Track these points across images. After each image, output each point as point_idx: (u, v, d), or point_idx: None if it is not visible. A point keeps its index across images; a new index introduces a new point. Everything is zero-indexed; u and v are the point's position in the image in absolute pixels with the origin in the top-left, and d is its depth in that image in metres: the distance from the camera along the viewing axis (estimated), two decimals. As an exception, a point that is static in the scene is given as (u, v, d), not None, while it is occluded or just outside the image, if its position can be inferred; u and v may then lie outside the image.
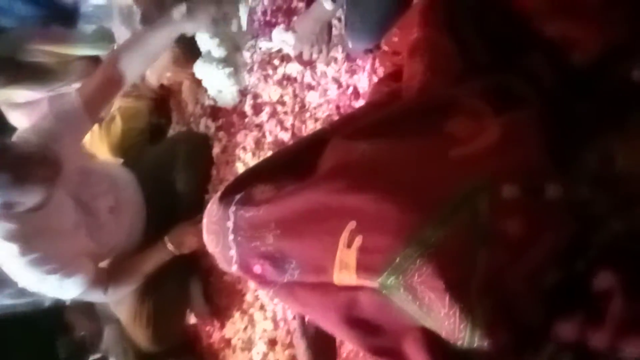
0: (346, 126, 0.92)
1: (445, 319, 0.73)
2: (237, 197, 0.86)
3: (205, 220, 0.91)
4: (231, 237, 0.84)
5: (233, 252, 0.85)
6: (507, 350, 0.75)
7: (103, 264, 1.50)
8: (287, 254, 0.81)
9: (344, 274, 0.77)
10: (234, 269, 0.87)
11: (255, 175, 0.91)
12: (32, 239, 1.23)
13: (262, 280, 0.85)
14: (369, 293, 0.77)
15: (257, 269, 0.84)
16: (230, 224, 0.84)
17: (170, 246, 1.47)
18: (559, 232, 0.77)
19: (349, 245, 0.75)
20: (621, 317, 0.73)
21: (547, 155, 0.80)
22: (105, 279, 1.43)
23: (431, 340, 0.77)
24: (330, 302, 0.80)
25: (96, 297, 1.46)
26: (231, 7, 1.44)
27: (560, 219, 0.78)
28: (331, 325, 0.84)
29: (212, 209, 0.89)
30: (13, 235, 1.21)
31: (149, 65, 1.46)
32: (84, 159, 1.43)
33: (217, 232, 0.87)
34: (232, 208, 0.85)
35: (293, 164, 0.90)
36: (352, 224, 0.75)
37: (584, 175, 0.83)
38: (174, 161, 1.56)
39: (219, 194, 0.90)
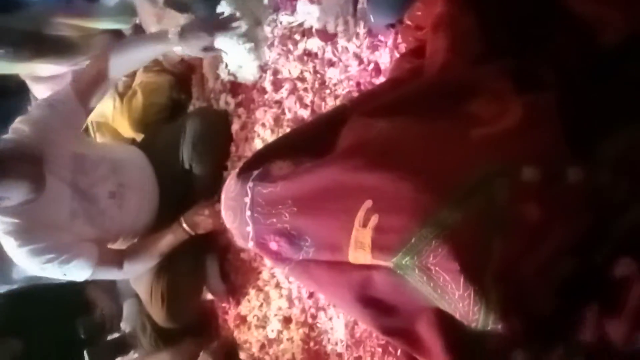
0: (365, 103, 0.91)
1: (460, 301, 0.74)
2: (255, 173, 0.87)
3: (223, 196, 0.92)
4: (248, 213, 0.85)
5: (250, 229, 0.86)
6: (521, 336, 0.74)
7: (120, 244, 1.54)
8: (302, 232, 0.82)
9: (359, 252, 0.77)
10: (250, 245, 0.88)
11: (273, 151, 0.91)
12: (27, 231, 1.27)
13: (278, 257, 0.86)
14: (384, 273, 0.77)
15: (273, 245, 0.85)
16: (247, 200, 0.85)
17: (185, 226, 1.48)
18: (577, 219, 0.76)
19: (364, 225, 0.75)
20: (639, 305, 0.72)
21: (569, 139, 0.78)
22: (116, 258, 1.45)
23: (445, 321, 0.77)
24: (344, 280, 0.81)
25: (110, 275, 1.50)
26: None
27: (579, 206, 0.77)
28: (345, 303, 0.85)
29: (230, 185, 0.90)
30: (9, 229, 1.25)
31: (131, 69, 1.55)
32: (82, 145, 1.42)
33: (235, 208, 0.87)
34: (250, 184, 0.85)
35: (311, 141, 0.89)
36: (368, 203, 0.75)
37: (606, 160, 0.81)
38: (187, 139, 1.55)
39: (237, 170, 0.91)
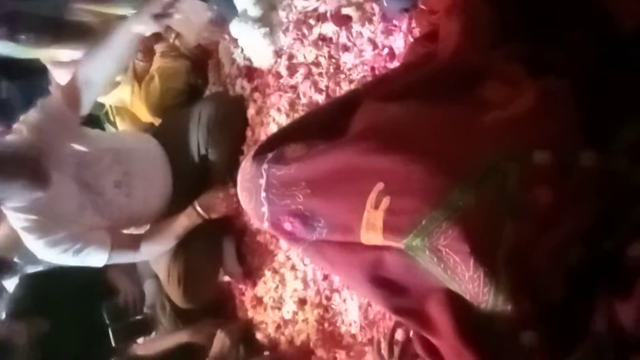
0: (378, 87, 0.92)
1: (470, 282, 0.75)
2: (270, 155, 0.88)
3: (239, 178, 0.94)
4: (263, 194, 0.87)
5: (265, 209, 0.88)
6: (530, 318, 0.75)
7: (135, 230, 1.58)
8: (316, 213, 0.83)
9: (371, 234, 0.78)
10: (265, 225, 0.90)
11: (287, 134, 0.93)
12: (41, 225, 1.33)
13: (292, 238, 0.88)
14: (395, 253, 0.79)
15: (288, 226, 0.87)
16: (262, 181, 0.87)
17: (199, 210, 1.51)
18: (589, 205, 0.76)
19: (376, 207, 0.76)
20: None
21: (583, 125, 0.78)
22: (131, 242, 1.50)
23: (455, 302, 0.79)
24: (356, 261, 0.83)
25: (127, 259, 1.55)
26: None
27: (592, 192, 0.77)
28: (357, 283, 0.87)
29: (245, 167, 0.92)
30: (25, 225, 1.33)
31: (117, 66, 1.51)
32: (81, 141, 1.45)
33: (250, 190, 0.90)
34: (265, 166, 0.87)
35: (325, 124, 0.91)
36: (380, 185, 0.76)
37: (622, 147, 0.81)
38: (202, 124, 1.58)
39: (252, 152, 0.93)
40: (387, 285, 0.82)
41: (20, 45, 1.69)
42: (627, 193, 0.80)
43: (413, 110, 0.80)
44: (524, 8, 0.91)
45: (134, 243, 1.51)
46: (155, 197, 1.57)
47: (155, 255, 1.60)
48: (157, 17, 1.36)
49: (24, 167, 1.28)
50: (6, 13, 1.67)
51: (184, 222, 1.52)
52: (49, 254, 1.38)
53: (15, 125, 1.37)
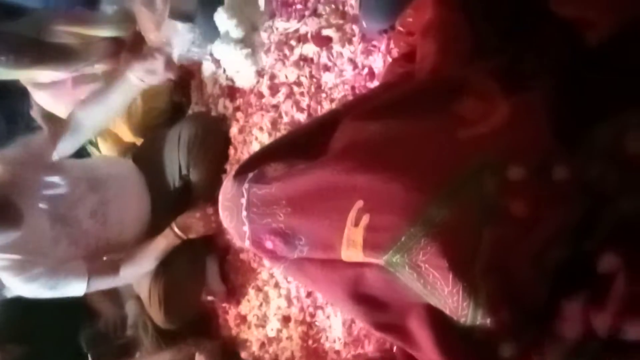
0: (358, 107, 0.94)
1: (449, 297, 0.76)
2: (251, 174, 0.90)
3: (220, 198, 0.95)
4: (244, 213, 0.88)
5: (246, 228, 0.89)
6: (510, 328, 0.77)
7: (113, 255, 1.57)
8: (297, 231, 0.85)
9: (351, 251, 0.80)
10: (247, 244, 0.91)
11: (268, 154, 0.94)
12: (17, 263, 1.33)
13: (274, 256, 0.89)
14: (375, 270, 0.80)
15: (269, 244, 0.88)
16: (243, 200, 0.88)
17: (177, 230, 1.51)
18: (565, 212, 0.78)
19: (356, 224, 0.78)
20: (624, 298, 0.74)
21: (557, 135, 0.80)
22: (109, 268, 1.49)
23: (435, 317, 0.80)
24: (337, 277, 0.84)
25: (107, 284, 1.53)
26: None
27: (568, 200, 0.79)
28: (338, 300, 0.88)
29: (227, 187, 0.93)
30: (2, 265, 1.32)
31: (109, 119, 1.59)
32: (56, 172, 1.45)
33: (231, 209, 0.91)
34: (246, 185, 0.88)
35: (305, 144, 0.92)
36: (359, 203, 0.78)
37: (595, 154, 0.83)
38: (182, 145, 1.59)
39: (233, 172, 0.94)
40: (368, 302, 0.83)
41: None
42: (602, 199, 0.83)
43: (391, 129, 0.82)
44: (494, 20, 0.93)
45: (113, 268, 1.50)
46: (132, 222, 1.57)
47: (135, 278, 1.59)
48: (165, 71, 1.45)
49: None
50: (-17, 35, 1.67)
51: (162, 243, 1.52)
52: (27, 290, 1.38)
53: None
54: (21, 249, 1.33)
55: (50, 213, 1.40)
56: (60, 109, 1.89)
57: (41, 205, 1.39)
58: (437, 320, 0.80)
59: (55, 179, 1.43)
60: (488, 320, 0.76)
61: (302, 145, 0.92)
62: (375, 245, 0.77)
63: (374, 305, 0.83)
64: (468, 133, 0.79)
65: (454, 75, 0.88)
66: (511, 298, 0.76)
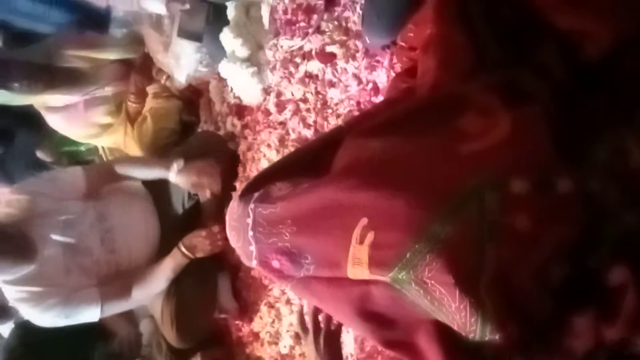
0: (361, 124, 0.95)
1: (457, 313, 0.75)
2: (256, 194, 0.90)
3: (227, 218, 0.96)
4: (251, 233, 0.89)
5: (253, 248, 0.89)
6: (518, 344, 0.76)
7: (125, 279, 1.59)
8: (302, 250, 0.85)
9: (357, 269, 0.80)
10: (254, 264, 0.91)
11: (273, 173, 0.95)
12: (33, 294, 1.37)
13: (281, 275, 0.89)
14: (382, 287, 0.80)
15: (276, 264, 0.88)
16: (249, 220, 0.89)
17: (184, 250, 1.53)
18: (569, 227, 0.78)
19: (361, 242, 0.78)
20: (634, 312, 0.73)
21: (558, 149, 0.80)
22: (121, 291, 1.51)
23: (443, 333, 0.79)
24: (344, 295, 0.84)
25: (121, 307, 1.56)
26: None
27: (571, 214, 0.78)
28: (346, 318, 0.87)
29: (233, 207, 0.94)
30: (20, 297, 1.37)
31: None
32: (68, 204, 1.47)
33: (238, 229, 0.91)
34: (251, 205, 0.89)
35: (309, 162, 0.93)
36: (364, 221, 0.77)
37: (596, 169, 0.83)
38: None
39: (239, 192, 0.95)
40: (375, 319, 0.83)
41: (14, 93, 1.73)
42: (604, 214, 0.82)
43: (393, 145, 0.82)
44: (494, 34, 0.94)
45: (125, 291, 1.52)
46: (140, 246, 1.58)
47: (148, 299, 1.60)
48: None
49: (10, 245, 1.31)
50: (-1, 61, 1.72)
51: (170, 263, 1.54)
52: (43, 319, 1.41)
53: (7, 197, 1.42)
54: (36, 281, 1.37)
55: (62, 244, 1.43)
56: (73, 132, 1.94)
57: (54, 237, 1.41)
58: (446, 336, 0.79)
59: (67, 210, 1.46)
60: (497, 336, 0.76)
61: (306, 163, 0.93)
62: (381, 262, 0.76)
63: (382, 322, 0.83)
64: (470, 148, 0.79)
65: (455, 90, 0.88)
66: (518, 314, 0.75)
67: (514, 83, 0.86)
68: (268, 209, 0.86)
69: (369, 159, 0.82)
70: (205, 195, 1.59)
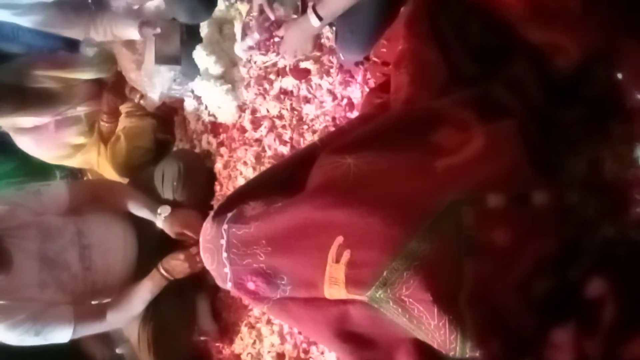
0: (335, 140, 0.94)
1: (436, 331, 0.75)
2: (229, 215, 0.89)
3: (201, 239, 0.94)
4: (225, 254, 0.87)
5: (227, 270, 0.88)
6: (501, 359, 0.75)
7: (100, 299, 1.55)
8: (278, 270, 0.84)
9: (334, 288, 0.79)
10: (228, 286, 0.89)
11: (246, 193, 0.94)
12: (1, 308, 1.30)
13: (256, 297, 0.88)
14: (360, 306, 0.79)
15: (251, 285, 0.87)
16: (223, 242, 0.87)
17: (163, 272, 1.49)
18: (548, 240, 0.78)
19: (337, 260, 0.77)
20: (615, 324, 0.73)
21: (533, 163, 0.80)
22: (96, 313, 1.46)
23: (424, 352, 0.78)
24: (322, 316, 0.82)
25: (94, 329, 1.50)
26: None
27: (549, 227, 0.79)
28: (324, 339, 0.86)
29: (206, 228, 0.92)
30: None
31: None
32: (48, 217, 1.42)
33: (212, 251, 0.89)
34: (225, 226, 0.87)
35: (283, 181, 0.92)
36: (339, 239, 0.77)
37: (572, 181, 0.83)
38: (167, 184, 1.57)
39: (212, 213, 0.93)
40: (354, 339, 0.82)
41: None
42: (583, 226, 0.83)
43: (368, 162, 0.82)
44: (466, 49, 0.94)
45: (100, 313, 1.47)
46: (117, 265, 1.54)
47: (123, 322, 1.55)
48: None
49: None
50: (-32, 83, 1.67)
51: (148, 285, 1.49)
52: (11, 337, 1.33)
53: None
54: (6, 294, 1.30)
55: (39, 257, 1.37)
56: (43, 153, 1.89)
57: (31, 249, 1.36)
58: (426, 354, 0.78)
59: (47, 223, 1.41)
60: (477, 354, 0.75)
61: (280, 182, 0.92)
62: (358, 281, 0.76)
63: (361, 342, 0.82)
64: (445, 163, 0.80)
65: (429, 106, 0.88)
66: (499, 329, 0.75)
67: (488, 97, 0.86)
68: (242, 229, 0.84)
69: (343, 176, 0.81)
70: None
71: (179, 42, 1.55)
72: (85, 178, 2.08)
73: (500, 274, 0.75)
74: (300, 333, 1.42)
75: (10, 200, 1.37)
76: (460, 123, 0.84)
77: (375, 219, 0.75)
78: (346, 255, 0.76)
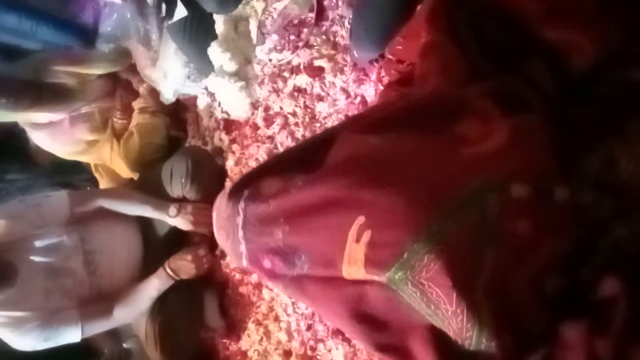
0: (357, 122, 0.92)
1: (453, 317, 0.72)
2: (246, 192, 0.87)
3: (214, 216, 0.92)
4: (241, 233, 0.85)
5: (243, 248, 0.86)
6: (513, 354, 0.73)
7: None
8: (296, 249, 0.81)
9: (353, 268, 0.76)
10: (244, 263, 0.87)
11: (263, 170, 0.91)
12: (12, 319, 1.32)
13: (272, 275, 0.86)
14: (377, 288, 0.76)
15: (267, 263, 0.85)
16: (239, 220, 0.85)
17: (169, 271, 1.49)
18: (564, 236, 0.76)
19: (357, 240, 0.75)
20: (627, 323, 0.71)
21: (555, 158, 0.79)
22: (102, 311, 1.45)
23: (439, 339, 0.76)
24: (338, 296, 0.80)
25: (103, 327, 1.49)
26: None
27: (566, 224, 0.77)
28: (339, 320, 0.83)
29: (221, 205, 0.90)
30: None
31: (121, 210, 1.57)
32: (52, 226, 1.43)
33: (227, 228, 0.87)
34: (242, 204, 0.85)
35: (301, 158, 0.89)
36: (361, 219, 0.74)
37: (587, 180, 0.82)
38: (176, 181, 1.56)
39: (228, 189, 0.91)
40: (368, 321, 0.79)
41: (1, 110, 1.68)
42: (596, 225, 0.81)
43: (392, 143, 0.80)
44: (481, 47, 0.93)
45: (106, 311, 1.46)
46: (121, 269, 1.54)
47: (130, 318, 1.54)
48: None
49: None
50: (-17, 78, 1.67)
51: (155, 284, 1.49)
52: (23, 344, 1.36)
53: None
54: (14, 305, 1.32)
55: (44, 266, 1.37)
56: (58, 149, 1.88)
57: (35, 259, 1.36)
58: (441, 342, 0.76)
59: (49, 234, 1.41)
60: (492, 344, 0.72)
61: (298, 159, 0.89)
62: (377, 261, 0.73)
63: (375, 325, 0.79)
64: (471, 151, 0.78)
65: (454, 94, 0.86)
66: (513, 322, 0.73)
67: (511, 91, 0.85)
68: (259, 207, 0.82)
69: (367, 155, 0.79)
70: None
71: None
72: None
73: (518, 265, 0.73)
74: (308, 330, 1.40)
75: (10, 214, 1.37)
76: (484, 115, 0.83)
77: (399, 199, 0.72)
78: (367, 234, 0.73)
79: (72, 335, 1.40)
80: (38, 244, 1.38)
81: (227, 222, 0.86)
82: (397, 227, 0.72)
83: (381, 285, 0.75)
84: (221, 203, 0.88)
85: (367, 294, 0.78)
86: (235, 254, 0.86)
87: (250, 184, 0.87)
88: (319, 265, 0.80)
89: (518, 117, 0.81)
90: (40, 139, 1.85)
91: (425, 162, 0.77)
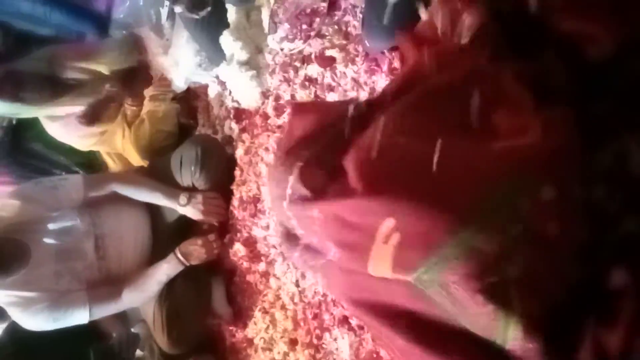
0: (382, 106, 0.86)
1: (480, 318, 0.68)
2: (296, 170, 0.83)
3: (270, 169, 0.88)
4: (286, 204, 0.85)
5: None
6: (541, 352, 0.68)
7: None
8: (327, 247, 0.80)
9: (379, 267, 0.73)
10: (284, 205, 0.85)
11: (310, 155, 0.87)
12: (23, 299, 1.29)
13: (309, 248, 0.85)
14: (403, 285, 0.72)
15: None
16: (288, 193, 0.84)
17: (179, 256, 1.44)
18: (581, 232, 0.71)
19: (385, 242, 0.70)
20: (635, 316, 0.67)
21: (580, 155, 0.73)
22: (111, 294, 1.42)
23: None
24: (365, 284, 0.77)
25: (111, 310, 1.45)
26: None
27: (584, 220, 0.72)
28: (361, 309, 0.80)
29: (277, 164, 0.88)
30: (10, 301, 1.29)
31: (134, 197, 1.52)
32: (65, 209, 1.39)
33: (279, 180, 0.86)
34: (290, 181, 0.83)
35: (335, 138, 0.86)
36: (390, 221, 0.70)
37: (599, 174, 0.76)
38: (185, 169, 1.50)
39: (283, 151, 0.87)
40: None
41: (24, 105, 1.61)
42: (607, 219, 0.75)
43: (422, 142, 0.75)
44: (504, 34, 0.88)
45: (115, 294, 1.41)
46: (130, 254, 1.48)
47: (139, 302, 1.48)
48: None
49: (3, 250, 1.23)
50: (6, 73, 1.59)
51: (164, 268, 1.44)
52: (32, 324, 1.33)
53: (3, 201, 1.32)
54: (25, 286, 1.28)
55: (56, 248, 1.33)
56: (72, 140, 1.83)
57: (48, 241, 1.32)
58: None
59: (62, 217, 1.36)
60: (518, 344, 0.67)
61: (333, 138, 0.86)
62: (405, 263, 0.69)
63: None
64: (502, 147, 0.72)
65: (490, 70, 0.81)
66: (542, 320, 0.67)
67: (540, 79, 0.79)
68: (300, 207, 0.82)
69: (398, 159, 0.75)
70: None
71: None
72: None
73: (548, 266, 0.68)
74: (314, 319, 1.34)
75: (25, 196, 1.32)
76: (518, 106, 0.77)
77: (429, 203, 0.68)
78: (395, 237, 0.69)
79: (80, 316, 1.36)
80: (51, 226, 1.33)
81: (279, 179, 0.85)
82: (426, 231, 0.67)
83: (407, 284, 0.71)
84: (276, 163, 0.87)
85: (391, 288, 0.74)
86: (280, 196, 0.86)
87: (301, 155, 0.84)
88: (347, 260, 0.78)
89: (551, 111, 0.75)
90: (55, 131, 1.78)
91: (456, 162, 0.71)
